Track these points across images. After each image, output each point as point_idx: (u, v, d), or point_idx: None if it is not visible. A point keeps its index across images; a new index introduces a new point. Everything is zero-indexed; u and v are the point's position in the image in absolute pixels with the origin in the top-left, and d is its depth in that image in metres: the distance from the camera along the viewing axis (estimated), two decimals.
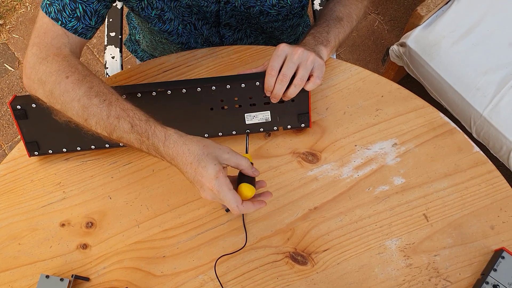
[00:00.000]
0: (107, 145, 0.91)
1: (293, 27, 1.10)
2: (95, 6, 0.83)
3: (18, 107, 0.83)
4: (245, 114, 0.89)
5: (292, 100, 0.87)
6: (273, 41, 1.14)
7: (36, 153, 0.90)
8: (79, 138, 0.88)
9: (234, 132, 0.91)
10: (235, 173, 0.76)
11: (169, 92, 0.85)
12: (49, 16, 0.82)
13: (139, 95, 0.85)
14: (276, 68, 0.83)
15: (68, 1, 0.81)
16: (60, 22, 0.82)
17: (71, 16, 0.82)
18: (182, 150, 0.72)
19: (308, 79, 0.84)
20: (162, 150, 0.73)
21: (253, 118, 0.89)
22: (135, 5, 0.92)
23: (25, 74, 0.82)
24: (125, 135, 0.75)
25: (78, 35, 0.84)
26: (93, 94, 0.77)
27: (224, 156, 0.72)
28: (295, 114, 0.90)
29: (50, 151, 0.90)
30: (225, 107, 0.88)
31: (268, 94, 0.85)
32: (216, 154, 0.72)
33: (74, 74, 0.79)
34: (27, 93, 0.85)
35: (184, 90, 0.85)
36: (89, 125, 0.77)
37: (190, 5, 0.94)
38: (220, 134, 0.91)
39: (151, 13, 0.94)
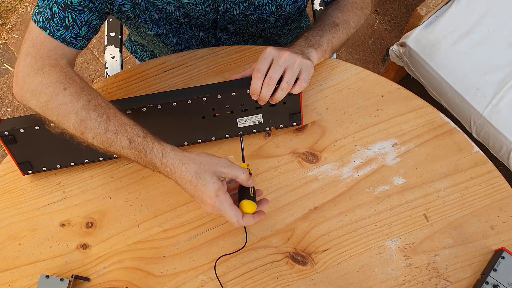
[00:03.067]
0: (100, 158, 0.90)
1: (291, 30, 1.09)
2: (87, 16, 0.81)
3: (6, 133, 0.82)
4: (237, 119, 0.89)
5: (284, 102, 0.87)
6: (272, 43, 1.13)
7: (29, 171, 0.89)
8: (72, 153, 0.88)
9: (227, 136, 0.91)
10: None
11: (159, 106, 0.84)
12: (37, 25, 0.80)
13: (129, 112, 0.83)
14: (262, 71, 0.81)
15: (57, 10, 0.79)
16: (48, 31, 0.80)
17: (59, 25, 0.80)
18: (179, 168, 0.72)
19: (295, 82, 0.83)
20: (160, 167, 0.74)
21: (245, 121, 0.89)
22: (129, 12, 0.90)
23: (17, 84, 0.81)
24: (123, 150, 0.75)
25: (67, 45, 0.82)
26: (92, 107, 0.76)
27: (222, 170, 0.73)
28: (287, 114, 0.90)
29: (44, 169, 0.90)
30: (217, 114, 0.87)
31: (254, 98, 0.84)
32: (214, 170, 0.72)
33: (72, 86, 0.77)
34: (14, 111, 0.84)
35: (174, 104, 0.83)
36: (85, 138, 0.77)
37: (188, 15, 0.93)
38: (213, 138, 0.91)
39: (147, 17, 0.92)
